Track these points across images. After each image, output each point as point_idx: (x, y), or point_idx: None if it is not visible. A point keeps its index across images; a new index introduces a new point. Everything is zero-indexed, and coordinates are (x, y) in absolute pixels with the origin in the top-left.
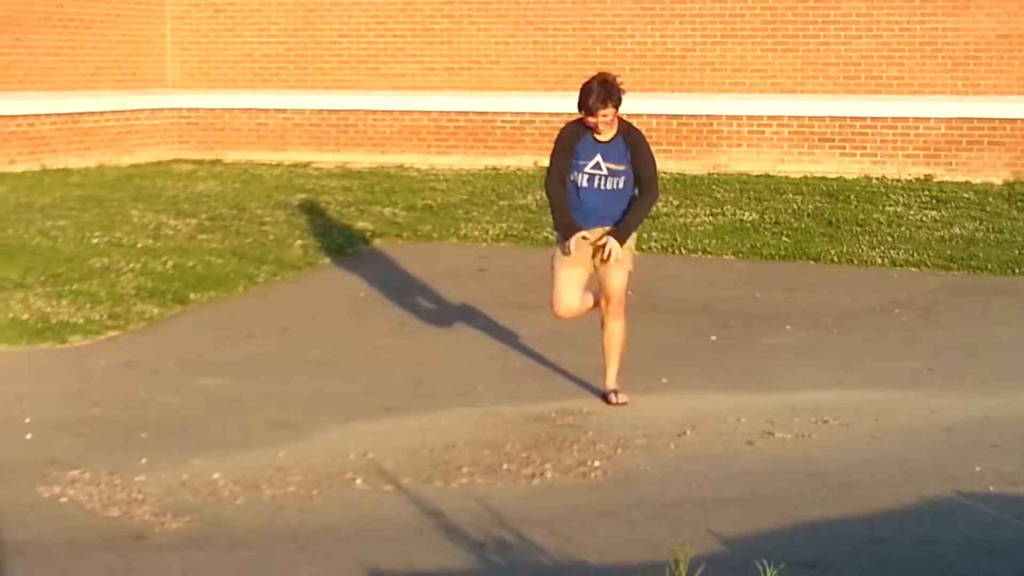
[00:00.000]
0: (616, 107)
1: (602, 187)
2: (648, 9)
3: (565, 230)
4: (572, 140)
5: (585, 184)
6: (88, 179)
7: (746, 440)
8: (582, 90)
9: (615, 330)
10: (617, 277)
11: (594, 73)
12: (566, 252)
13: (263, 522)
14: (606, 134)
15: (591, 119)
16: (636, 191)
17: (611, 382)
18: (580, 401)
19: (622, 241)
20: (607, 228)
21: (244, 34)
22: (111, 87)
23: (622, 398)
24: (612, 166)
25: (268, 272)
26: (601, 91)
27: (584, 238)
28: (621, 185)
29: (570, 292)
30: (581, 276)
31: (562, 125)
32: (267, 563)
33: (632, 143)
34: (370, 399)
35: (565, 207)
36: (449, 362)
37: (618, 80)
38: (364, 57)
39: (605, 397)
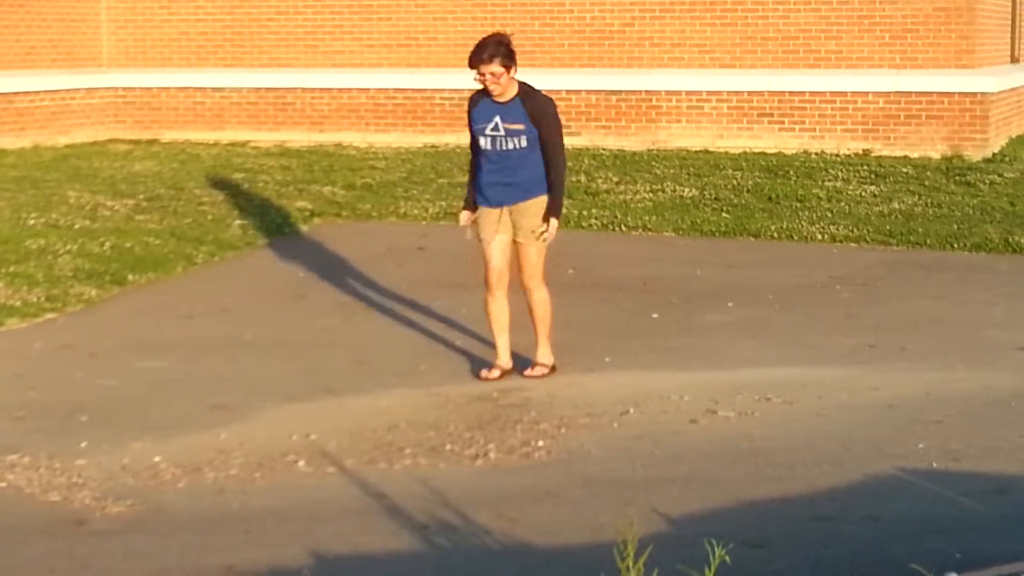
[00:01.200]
0: (505, 66)
1: (502, 148)
2: None
3: (463, 206)
4: (472, 105)
5: (489, 147)
6: (23, 160)
7: (689, 418)
8: (473, 49)
9: (537, 301)
10: (532, 251)
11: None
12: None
13: (206, 505)
14: (505, 95)
15: (477, 77)
16: (543, 156)
17: (541, 354)
18: (522, 380)
19: (559, 216)
20: (511, 206)
21: (180, 11)
22: (46, 66)
23: (539, 370)
24: (509, 126)
25: (207, 253)
26: (488, 47)
27: (473, 221)
28: (524, 144)
29: (498, 255)
30: (502, 241)
31: None
32: (210, 547)
33: (531, 105)
34: (311, 380)
35: (469, 184)
36: (390, 342)
37: (510, 39)
38: (301, 34)
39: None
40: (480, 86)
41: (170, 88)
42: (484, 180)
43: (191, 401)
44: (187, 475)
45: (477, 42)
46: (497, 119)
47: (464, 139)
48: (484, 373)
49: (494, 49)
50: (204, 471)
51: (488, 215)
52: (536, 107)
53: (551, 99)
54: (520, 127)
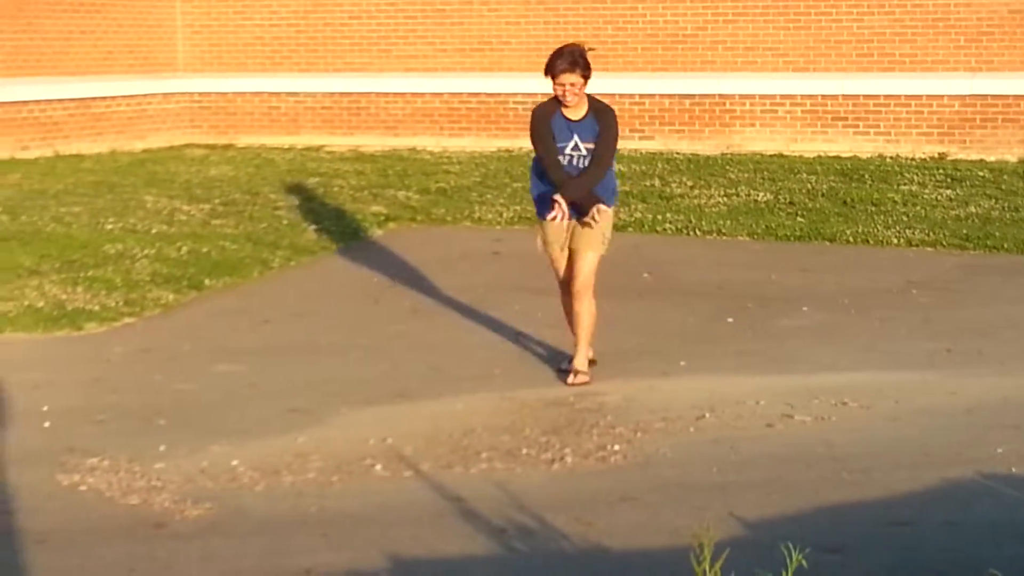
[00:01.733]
0: (584, 77)
1: (578, 165)
2: None
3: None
4: (547, 118)
5: (565, 164)
6: (101, 165)
7: (766, 423)
8: (550, 57)
9: (581, 311)
10: (587, 260)
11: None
12: (550, 218)
13: (283, 509)
14: (576, 111)
15: (556, 86)
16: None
17: (578, 361)
18: (597, 385)
19: (569, 197)
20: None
21: (255, 16)
22: (123, 71)
23: (581, 378)
24: (588, 145)
25: (282, 257)
26: (568, 56)
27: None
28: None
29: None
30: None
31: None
32: (288, 550)
33: (602, 123)
34: (387, 384)
35: (558, 164)
36: (465, 346)
37: (588, 52)
38: (375, 39)
39: (566, 373)
40: (549, 96)
41: (245, 93)
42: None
43: (268, 405)
44: (265, 478)
45: (554, 51)
46: (576, 139)
47: None
48: (570, 378)
49: (575, 58)
50: (282, 475)
51: (557, 227)
52: (605, 123)
53: (615, 111)
54: (594, 146)
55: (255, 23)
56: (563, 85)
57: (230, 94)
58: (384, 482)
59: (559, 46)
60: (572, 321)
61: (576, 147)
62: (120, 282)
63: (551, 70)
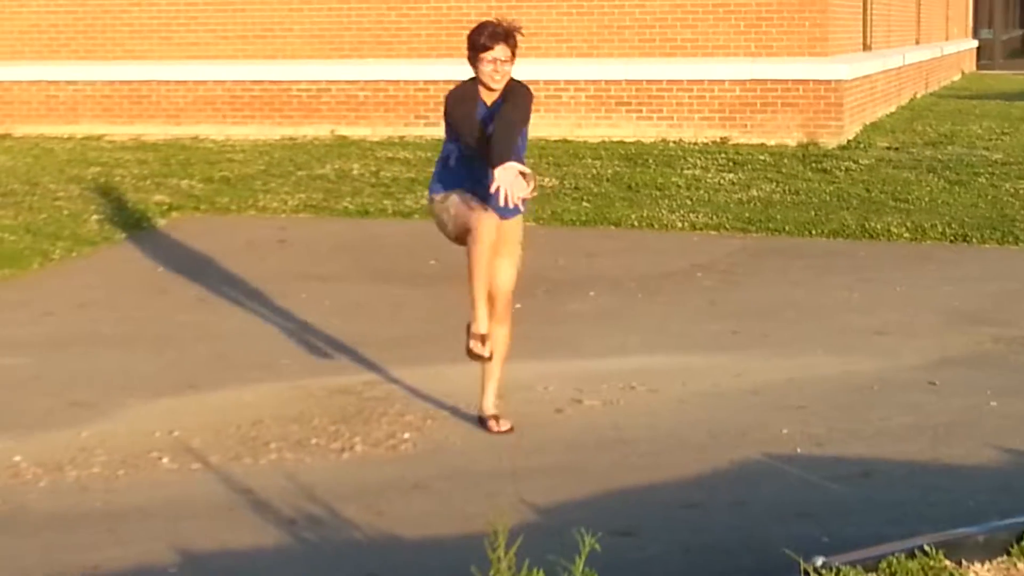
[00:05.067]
0: (513, 54)
1: None
2: None
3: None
4: (458, 102)
5: (469, 153)
6: None
7: (554, 408)
8: (473, 31)
9: (499, 336)
10: (508, 273)
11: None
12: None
13: (68, 504)
14: (493, 95)
15: (485, 64)
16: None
17: (490, 405)
18: (386, 373)
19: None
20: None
21: (30, 3)
22: None
23: (504, 425)
24: None
25: (64, 248)
26: (499, 26)
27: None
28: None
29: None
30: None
31: (359, 93)
32: (73, 546)
33: (514, 93)
34: (173, 376)
35: (485, 141)
36: (251, 336)
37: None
38: (155, 26)
39: (483, 422)
40: (460, 82)
41: (22, 82)
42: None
43: (51, 399)
44: (48, 474)
45: (476, 26)
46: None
47: (321, 131)
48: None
49: (503, 30)
50: (66, 470)
51: (491, 219)
52: (516, 94)
53: (530, 88)
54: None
55: (31, 9)
56: (494, 61)
57: (6, 82)
58: (171, 475)
59: (480, 22)
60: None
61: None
62: None
63: (481, 42)
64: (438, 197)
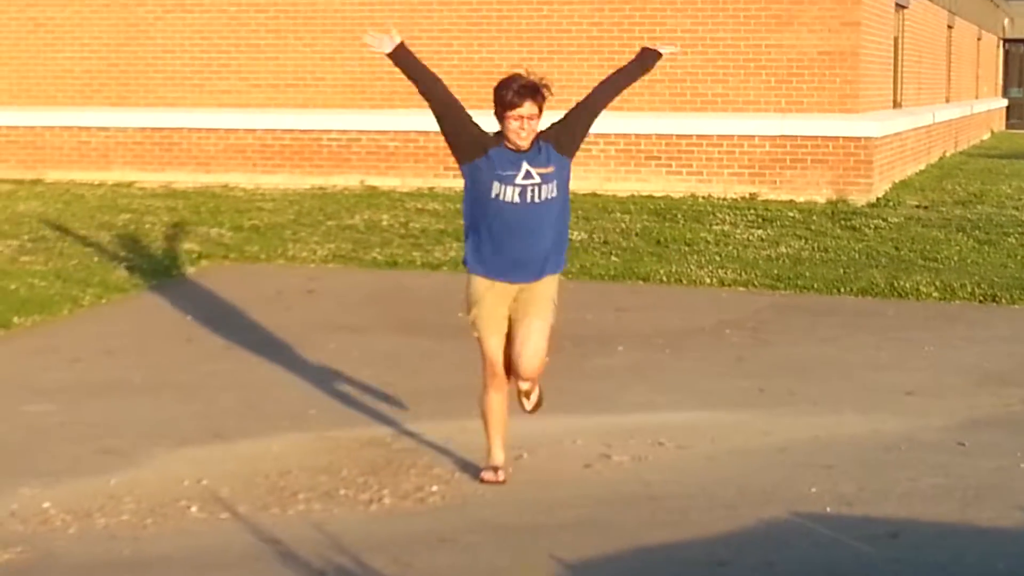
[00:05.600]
0: (540, 109)
1: (535, 200)
2: (475, 25)
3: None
4: (477, 155)
5: (517, 200)
6: None
7: (583, 463)
8: (499, 84)
9: (530, 398)
10: (536, 331)
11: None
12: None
13: (96, 552)
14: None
15: (511, 120)
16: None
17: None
18: (414, 425)
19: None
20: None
21: (65, 49)
22: None
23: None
24: (542, 170)
25: (93, 295)
26: (527, 83)
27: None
28: (555, 193)
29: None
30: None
31: (389, 144)
32: None
33: (553, 135)
34: (201, 424)
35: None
36: (280, 386)
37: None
38: (188, 73)
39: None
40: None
41: (54, 127)
42: (495, 252)
43: (80, 446)
44: (77, 521)
45: (501, 81)
46: (526, 166)
47: (351, 181)
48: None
49: (532, 86)
50: (95, 517)
51: (497, 297)
52: (556, 128)
53: None
54: (550, 170)
55: (65, 55)
56: (520, 118)
57: (38, 128)
58: (200, 524)
59: (507, 75)
60: (492, 419)
61: (528, 175)
62: None
63: (503, 102)
64: (474, 295)
